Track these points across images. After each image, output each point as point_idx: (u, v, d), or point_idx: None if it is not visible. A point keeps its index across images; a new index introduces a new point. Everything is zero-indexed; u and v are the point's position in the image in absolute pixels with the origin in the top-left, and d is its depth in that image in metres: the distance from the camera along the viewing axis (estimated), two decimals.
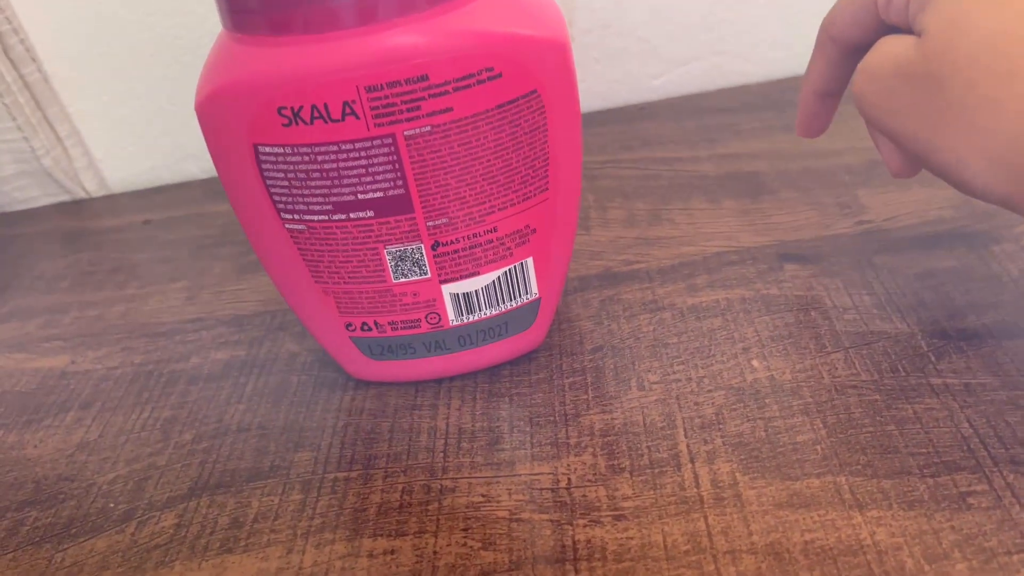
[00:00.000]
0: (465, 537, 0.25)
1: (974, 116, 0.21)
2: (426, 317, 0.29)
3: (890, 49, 0.24)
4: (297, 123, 0.25)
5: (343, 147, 0.26)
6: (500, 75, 0.26)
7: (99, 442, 0.32)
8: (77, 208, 0.50)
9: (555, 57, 0.27)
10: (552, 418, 0.29)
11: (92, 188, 0.51)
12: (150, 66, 0.48)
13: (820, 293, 0.32)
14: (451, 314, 0.29)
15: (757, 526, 0.24)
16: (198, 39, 0.47)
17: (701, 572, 0.23)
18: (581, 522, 0.25)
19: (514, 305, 0.30)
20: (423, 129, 0.26)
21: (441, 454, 0.29)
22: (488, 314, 0.30)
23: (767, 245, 0.35)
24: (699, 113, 0.47)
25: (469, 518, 0.26)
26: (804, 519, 0.24)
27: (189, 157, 0.51)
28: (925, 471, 0.25)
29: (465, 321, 0.30)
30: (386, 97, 0.25)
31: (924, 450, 0.25)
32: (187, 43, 0.47)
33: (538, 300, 0.31)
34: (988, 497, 0.24)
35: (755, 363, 0.30)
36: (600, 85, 0.50)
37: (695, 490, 0.26)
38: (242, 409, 0.32)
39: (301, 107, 0.25)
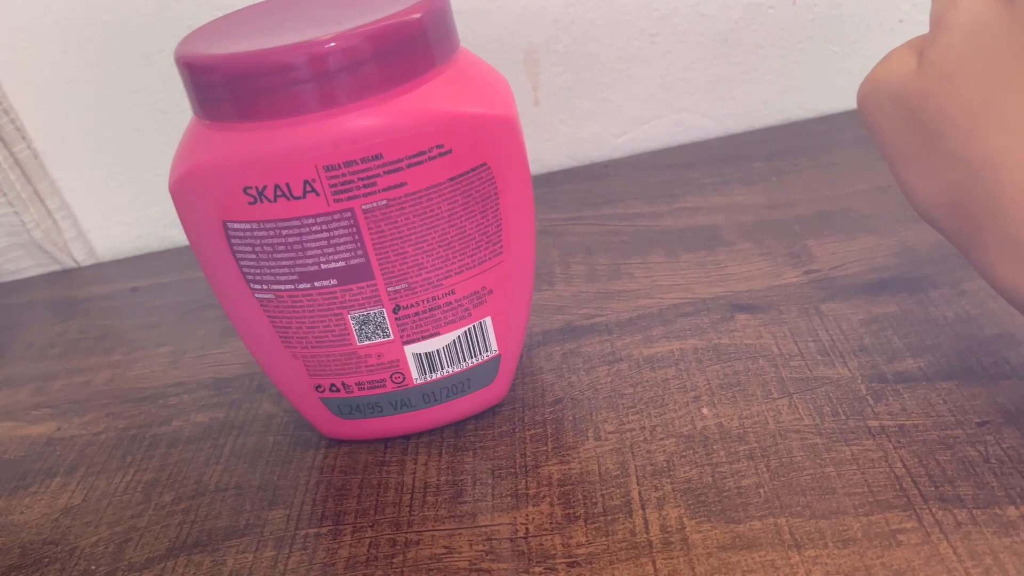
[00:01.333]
0: None
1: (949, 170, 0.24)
2: (391, 377, 0.31)
3: (896, 67, 0.25)
4: (262, 201, 0.27)
5: (305, 222, 0.28)
6: (450, 151, 0.28)
7: (83, 506, 0.33)
8: (67, 277, 0.52)
9: (503, 131, 0.29)
10: (513, 469, 0.31)
11: (81, 258, 0.53)
12: (136, 140, 0.50)
13: (768, 341, 0.34)
14: (414, 373, 0.31)
15: (701, 568, 0.26)
16: (181, 112, 0.49)
17: None
18: (537, 570, 0.27)
19: (475, 362, 0.32)
20: (379, 203, 0.27)
21: (407, 508, 0.30)
22: (450, 372, 0.31)
23: (720, 296, 0.37)
24: (660, 169, 0.49)
25: (432, 570, 0.27)
26: (746, 560, 0.26)
27: (174, 225, 0.53)
28: (860, 510, 0.26)
29: (428, 379, 0.31)
30: (344, 175, 0.27)
31: (860, 490, 0.27)
32: (171, 117, 0.49)
33: (498, 356, 0.32)
34: (917, 534, 0.25)
35: (705, 411, 0.31)
36: (566, 146, 0.52)
37: (645, 535, 0.27)
38: (220, 469, 0.33)
39: (265, 186, 0.27)
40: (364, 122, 0.27)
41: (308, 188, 0.27)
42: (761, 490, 0.28)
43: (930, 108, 0.24)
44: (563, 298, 0.39)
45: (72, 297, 0.49)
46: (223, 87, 0.27)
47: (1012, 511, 0.25)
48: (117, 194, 0.52)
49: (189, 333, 0.43)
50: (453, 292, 0.30)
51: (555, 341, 0.37)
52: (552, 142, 0.52)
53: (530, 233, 0.31)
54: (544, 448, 0.31)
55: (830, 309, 0.35)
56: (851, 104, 0.52)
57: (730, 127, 0.52)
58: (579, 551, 0.27)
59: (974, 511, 0.25)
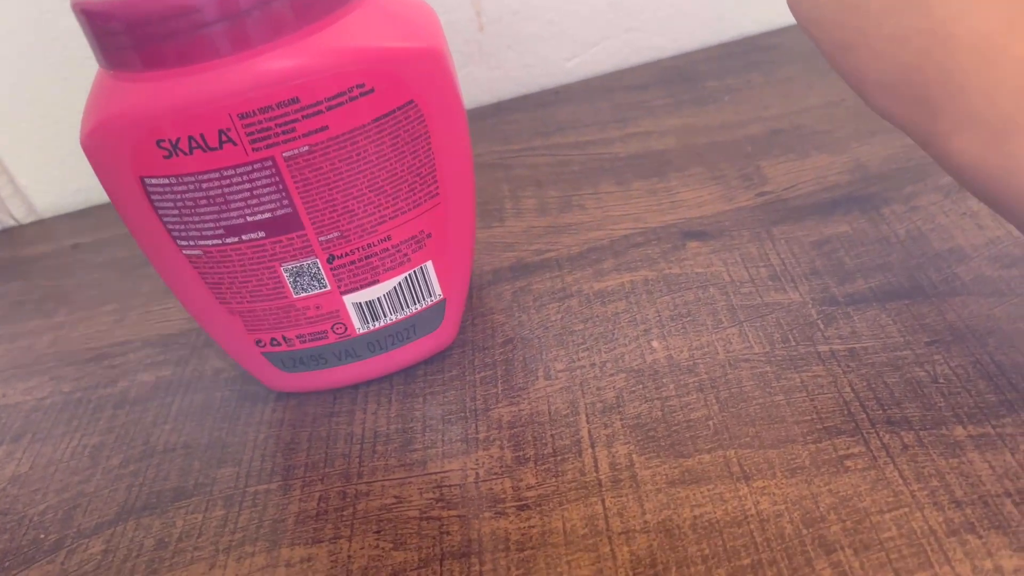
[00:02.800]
0: (378, 539, 0.27)
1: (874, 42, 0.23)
2: (332, 328, 0.30)
3: None
4: (177, 154, 0.26)
5: (224, 173, 0.26)
6: (372, 90, 0.26)
7: (29, 474, 0.32)
8: (7, 236, 0.50)
9: (429, 65, 0.27)
10: (463, 414, 0.30)
11: (20, 215, 0.51)
12: (66, 90, 0.48)
13: (719, 269, 0.33)
14: (356, 323, 0.30)
15: (650, 504, 0.25)
16: None
17: (597, 554, 0.24)
18: (487, 515, 0.26)
19: (419, 308, 0.31)
20: (301, 149, 0.26)
21: (357, 459, 0.29)
22: (394, 319, 0.31)
23: (672, 224, 0.36)
24: (612, 92, 0.48)
25: (382, 520, 0.27)
26: (694, 495, 0.25)
27: None
28: (808, 438, 0.26)
29: (371, 328, 0.31)
30: (260, 122, 0.25)
31: (808, 417, 0.27)
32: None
33: (443, 300, 0.31)
34: (864, 459, 0.25)
35: (655, 344, 0.31)
36: (515, 71, 0.50)
37: (594, 474, 0.27)
38: (168, 429, 0.33)
39: (179, 138, 0.26)
40: (278, 64, 0.25)
41: (224, 138, 0.26)
42: (710, 422, 0.27)
43: None
44: (514, 234, 0.38)
45: (12, 257, 0.48)
46: (124, 34, 0.25)
47: (959, 431, 0.25)
48: (51, 146, 0.50)
49: (133, 290, 0.42)
50: (389, 238, 0.29)
51: (505, 280, 0.36)
52: (500, 70, 0.50)
53: (467, 171, 0.30)
54: (494, 390, 0.31)
55: (782, 232, 0.34)
56: None
57: (683, 45, 0.51)
58: (529, 493, 0.27)
59: (921, 433, 0.25)
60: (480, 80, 0.50)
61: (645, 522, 0.25)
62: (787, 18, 0.50)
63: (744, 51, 0.49)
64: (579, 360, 0.31)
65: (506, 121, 0.48)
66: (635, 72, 0.49)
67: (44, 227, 0.50)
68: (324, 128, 0.26)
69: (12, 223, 0.51)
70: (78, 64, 0.47)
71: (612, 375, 0.30)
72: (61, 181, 0.51)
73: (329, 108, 0.26)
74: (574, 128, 0.45)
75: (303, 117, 0.26)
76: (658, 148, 0.42)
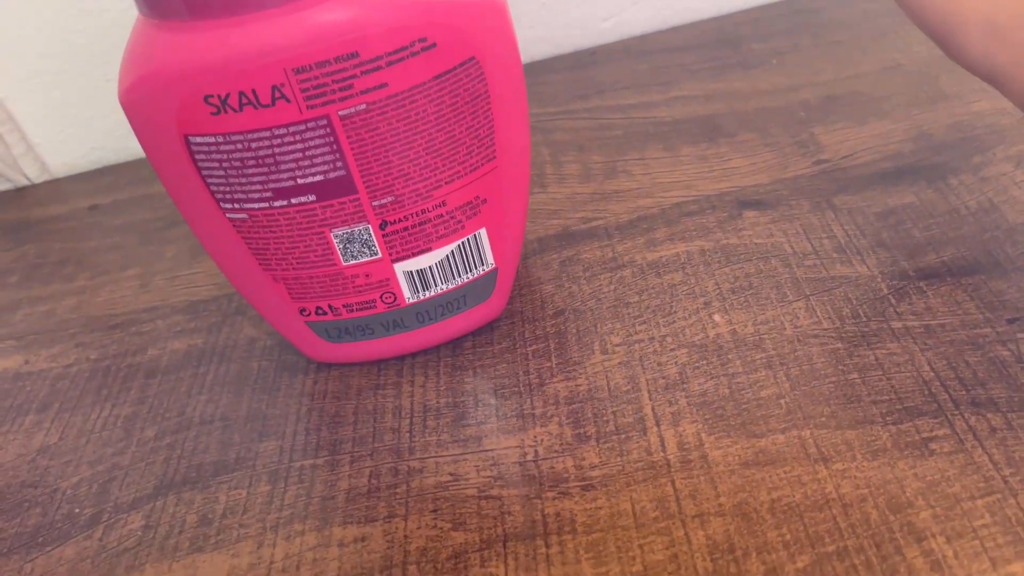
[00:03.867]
0: (435, 519, 0.25)
1: None
2: (381, 297, 0.29)
3: None
4: (226, 111, 0.24)
5: (276, 132, 0.25)
6: (434, 45, 0.25)
7: (60, 445, 0.31)
8: (20, 197, 0.48)
9: (491, 20, 0.26)
10: (517, 388, 0.29)
11: (34, 175, 0.49)
12: (81, 43, 0.46)
13: (780, 240, 0.32)
14: (406, 292, 0.29)
15: (724, 487, 0.24)
16: (127, 10, 0.45)
17: (671, 538, 0.23)
18: (550, 495, 0.25)
19: (470, 277, 0.30)
20: (358, 108, 0.25)
21: (407, 434, 0.28)
22: (444, 289, 0.29)
23: (726, 192, 0.35)
24: (650, 55, 0.46)
25: (438, 498, 0.26)
26: (770, 477, 0.24)
27: (131, 135, 0.49)
28: (888, 419, 0.25)
29: (421, 298, 0.29)
30: (316, 78, 0.24)
31: (886, 397, 0.26)
32: (116, 16, 0.45)
33: (495, 270, 0.30)
34: (950, 441, 0.24)
35: (716, 317, 0.29)
36: (549, 31, 0.48)
37: (661, 454, 0.26)
38: (204, 400, 0.32)
39: (228, 94, 0.24)
40: (336, 16, 0.23)
41: (277, 94, 0.24)
42: (782, 401, 0.26)
43: None
44: (557, 201, 0.37)
45: (26, 218, 0.46)
46: None
47: None
48: (65, 104, 0.47)
49: (156, 254, 0.40)
50: (444, 204, 0.27)
51: (552, 248, 0.34)
52: (534, 29, 0.48)
53: (524, 134, 0.29)
54: (548, 364, 0.29)
55: (843, 202, 0.33)
56: None
57: (723, 6, 0.49)
58: (593, 473, 0.26)
59: (1009, 415, 0.24)
60: None
61: (720, 505, 0.24)
62: None
63: (787, 14, 0.47)
64: (637, 334, 0.30)
65: (541, 83, 0.46)
66: (674, 33, 0.48)
67: (58, 187, 0.49)
68: (383, 85, 0.24)
69: (25, 182, 0.49)
70: (92, 17, 0.45)
71: (673, 350, 0.29)
72: (76, 139, 0.49)
73: (389, 64, 0.24)
74: (613, 91, 0.44)
75: (362, 73, 0.24)
76: (704, 113, 0.40)
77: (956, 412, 0.25)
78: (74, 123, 0.48)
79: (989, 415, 0.24)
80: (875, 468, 0.24)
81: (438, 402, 0.29)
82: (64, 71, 0.46)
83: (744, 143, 0.37)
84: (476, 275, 0.30)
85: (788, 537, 0.23)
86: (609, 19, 0.48)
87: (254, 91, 0.24)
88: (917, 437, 0.24)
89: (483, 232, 0.29)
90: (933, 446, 0.24)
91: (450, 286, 0.29)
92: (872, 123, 0.37)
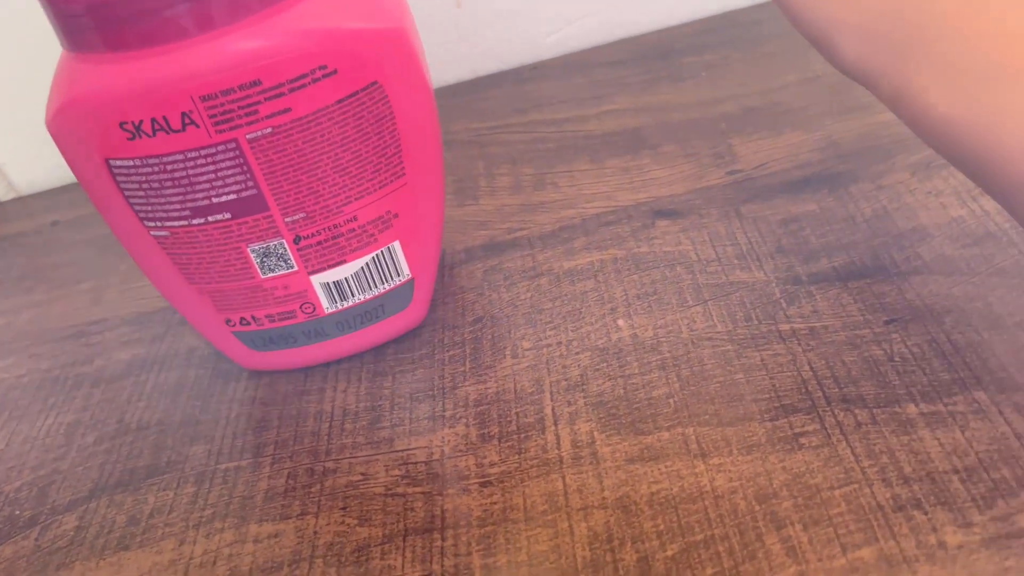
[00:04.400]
0: (343, 515, 0.27)
1: None
2: (300, 307, 0.30)
3: None
4: (141, 136, 0.26)
5: (189, 155, 0.26)
6: (335, 71, 0.26)
7: (6, 451, 0.33)
8: None
9: (392, 46, 0.27)
10: (431, 392, 0.31)
11: (0, 193, 0.51)
12: (41, 66, 0.47)
13: (687, 248, 0.34)
14: (324, 303, 0.31)
15: (609, 481, 0.26)
16: None
17: (556, 530, 0.25)
18: (451, 491, 0.27)
19: (387, 288, 0.31)
20: (264, 131, 0.26)
21: (326, 437, 0.30)
22: (362, 299, 0.31)
23: (643, 202, 0.37)
24: (589, 69, 0.48)
25: (348, 496, 0.28)
26: (652, 471, 0.26)
27: None
28: (765, 416, 0.27)
29: (340, 308, 0.31)
30: (222, 104, 0.26)
31: (767, 396, 0.27)
32: None
33: (411, 280, 0.32)
34: (818, 436, 0.26)
35: (620, 322, 0.31)
36: (494, 47, 0.50)
37: (556, 451, 0.27)
38: (142, 407, 0.33)
39: (142, 121, 0.26)
40: (239, 46, 0.25)
41: (187, 120, 0.26)
42: (671, 400, 0.28)
43: None
44: (487, 212, 0.39)
45: None
46: (86, 15, 0.25)
47: (911, 409, 0.26)
48: (30, 124, 0.49)
49: (111, 267, 0.42)
50: (355, 218, 0.29)
51: (477, 258, 0.36)
52: (479, 46, 0.50)
53: (435, 151, 0.30)
54: (462, 368, 0.31)
55: (750, 211, 0.35)
56: None
57: (663, 21, 0.50)
58: (492, 470, 0.27)
59: (874, 410, 0.26)
60: (458, 56, 0.50)
61: (603, 498, 0.25)
62: None
63: (724, 27, 0.48)
64: (546, 338, 0.31)
65: (483, 97, 0.48)
66: (613, 48, 0.49)
67: (23, 204, 0.50)
68: (287, 110, 0.26)
69: None
70: (54, 40, 0.47)
71: (577, 353, 0.30)
72: (40, 157, 0.51)
73: (292, 90, 0.26)
74: (550, 105, 0.45)
75: (266, 99, 0.26)
76: (633, 125, 0.42)
77: (827, 408, 0.26)
78: (38, 142, 0.50)
79: (857, 411, 0.26)
80: (748, 462, 0.25)
81: (357, 406, 0.31)
82: (26, 92, 0.48)
83: (665, 155, 0.39)
84: (392, 285, 0.31)
85: (662, 527, 0.24)
86: (552, 35, 0.50)
87: (165, 118, 0.26)
88: (789, 432, 0.26)
89: (397, 245, 0.30)
90: (803, 440, 0.26)
91: (367, 296, 0.31)
92: (787, 134, 0.38)
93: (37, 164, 0.51)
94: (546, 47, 0.51)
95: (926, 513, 0.23)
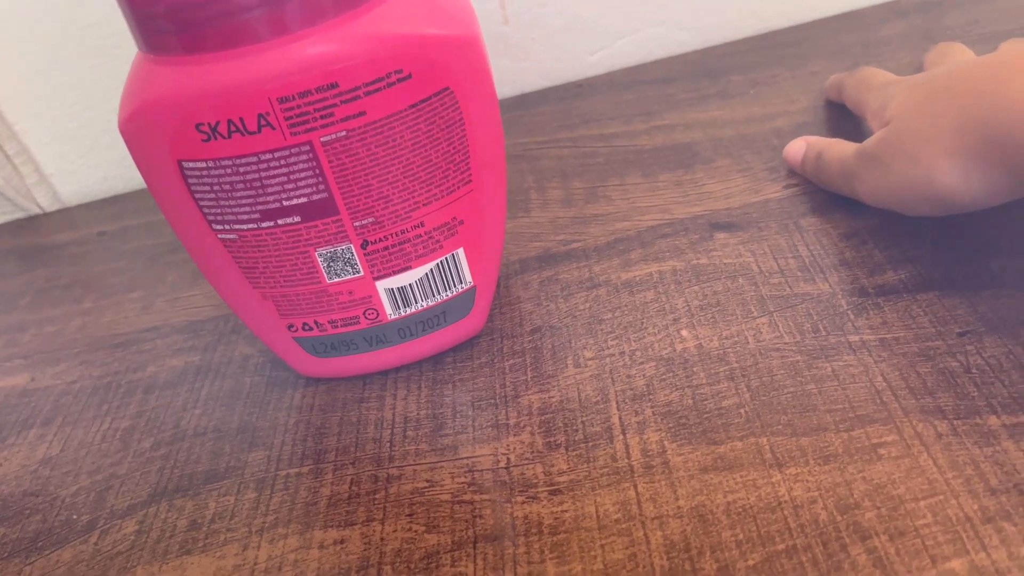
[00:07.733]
0: (410, 522, 0.27)
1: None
2: (364, 313, 0.30)
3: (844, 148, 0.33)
4: (216, 138, 0.26)
5: (262, 157, 0.26)
6: (410, 76, 0.26)
7: (61, 456, 0.33)
8: (32, 224, 0.51)
9: (465, 53, 0.28)
10: (493, 400, 0.30)
11: (46, 203, 0.51)
12: (92, 78, 0.48)
13: (748, 259, 0.33)
14: (388, 309, 0.30)
15: (683, 491, 0.25)
16: (135, 47, 0.47)
17: (631, 539, 0.25)
18: (519, 499, 0.27)
19: (450, 295, 0.31)
20: (339, 134, 0.26)
21: (388, 444, 0.30)
22: (424, 306, 0.31)
23: (699, 215, 0.36)
24: (636, 86, 0.48)
25: (414, 503, 0.27)
26: (727, 481, 0.25)
27: None
28: (840, 426, 0.26)
29: (403, 314, 0.31)
30: (299, 106, 0.26)
31: (840, 406, 0.27)
32: (126, 52, 0.47)
33: (473, 288, 0.32)
34: (898, 447, 0.25)
35: (684, 333, 0.31)
36: (540, 64, 0.50)
37: (626, 460, 0.27)
38: (198, 414, 0.33)
39: (218, 122, 0.26)
40: (317, 49, 0.25)
41: (263, 122, 0.26)
42: (742, 410, 0.27)
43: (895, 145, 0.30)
44: (540, 224, 0.39)
45: (38, 244, 0.48)
46: (165, 18, 0.25)
47: (992, 420, 0.25)
48: (77, 136, 0.50)
49: (159, 277, 0.42)
50: (422, 224, 0.29)
51: (532, 269, 0.36)
52: (525, 63, 0.50)
53: (500, 159, 0.30)
54: (524, 377, 0.31)
55: (810, 224, 0.34)
56: (833, 9, 0.50)
57: (708, 39, 0.51)
58: (561, 479, 0.27)
59: (955, 422, 0.25)
60: (504, 72, 0.50)
61: (678, 507, 0.25)
62: (813, 12, 0.50)
63: (769, 46, 0.49)
64: (608, 348, 0.31)
65: (531, 113, 0.48)
66: (659, 66, 0.50)
67: (69, 215, 0.51)
68: (361, 113, 0.26)
69: (37, 211, 0.51)
70: (104, 52, 0.47)
71: (642, 363, 0.30)
72: (86, 169, 0.51)
73: (367, 93, 0.26)
74: (598, 121, 0.45)
75: (341, 102, 0.26)
76: (684, 141, 0.42)
77: (905, 419, 0.26)
78: (85, 153, 0.50)
79: (936, 422, 0.25)
80: (826, 472, 0.25)
81: (418, 413, 0.31)
82: (76, 103, 0.49)
83: (719, 169, 0.39)
84: (455, 292, 0.31)
85: (741, 537, 0.24)
86: (597, 52, 0.50)
87: (241, 119, 0.26)
88: (867, 443, 0.25)
89: (461, 252, 0.30)
90: (881, 451, 0.25)
91: (430, 303, 0.31)
92: None
93: (83, 176, 0.51)
94: (591, 64, 0.51)
95: (1016, 525, 0.22)
